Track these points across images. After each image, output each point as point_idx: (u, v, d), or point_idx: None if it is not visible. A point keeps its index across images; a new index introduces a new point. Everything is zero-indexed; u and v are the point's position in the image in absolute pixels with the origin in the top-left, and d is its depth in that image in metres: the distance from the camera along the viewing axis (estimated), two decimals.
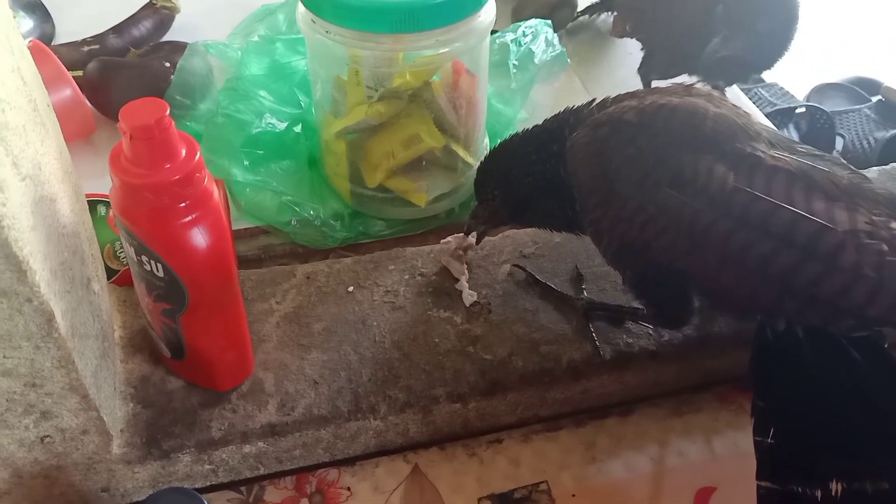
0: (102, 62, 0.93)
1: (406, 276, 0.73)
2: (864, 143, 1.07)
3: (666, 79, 0.91)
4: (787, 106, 1.11)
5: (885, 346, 0.54)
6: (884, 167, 0.87)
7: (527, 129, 0.67)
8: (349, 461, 0.66)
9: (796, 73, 1.10)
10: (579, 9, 1.12)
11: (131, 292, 0.66)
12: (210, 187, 0.53)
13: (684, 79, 0.89)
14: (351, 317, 0.69)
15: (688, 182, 0.54)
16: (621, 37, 1.02)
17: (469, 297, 0.71)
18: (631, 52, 1.02)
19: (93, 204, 0.73)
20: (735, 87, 1.01)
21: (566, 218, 0.65)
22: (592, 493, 0.65)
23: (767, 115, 1.05)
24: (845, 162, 0.58)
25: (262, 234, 0.82)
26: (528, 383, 0.66)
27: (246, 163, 0.83)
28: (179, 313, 0.57)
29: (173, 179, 0.50)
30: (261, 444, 0.62)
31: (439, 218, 0.84)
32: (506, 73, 0.96)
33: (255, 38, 0.97)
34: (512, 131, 0.73)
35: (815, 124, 1.09)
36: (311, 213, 0.81)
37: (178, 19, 1.09)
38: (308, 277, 0.72)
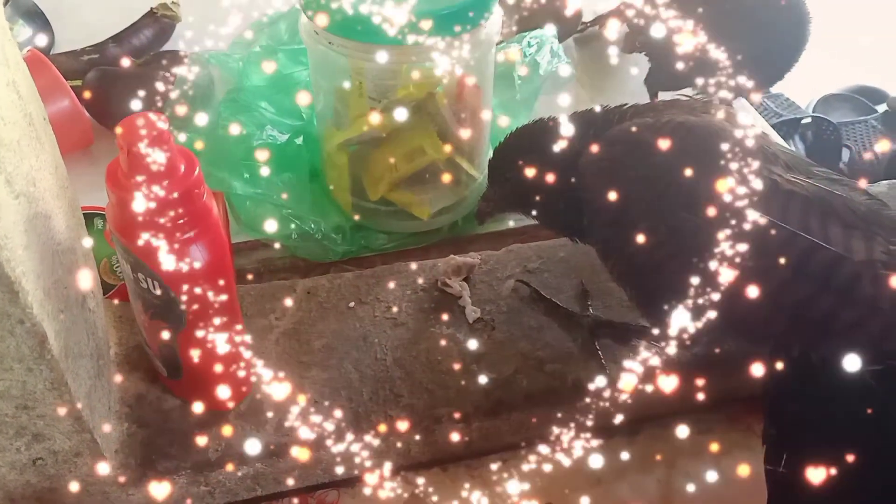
0: (102, 72, 0.92)
1: (408, 292, 0.72)
2: (871, 154, 1.06)
3: (672, 91, 0.91)
4: (792, 117, 1.10)
5: None
6: (893, 181, 0.86)
7: (546, 119, 0.65)
8: (349, 482, 0.65)
9: (802, 83, 1.09)
10: (585, 19, 1.11)
11: (128, 308, 0.65)
12: (209, 203, 0.52)
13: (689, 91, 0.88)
14: (352, 333, 0.68)
15: (703, 206, 0.53)
16: (631, 52, 1.02)
17: (472, 313, 0.69)
18: (636, 63, 1.01)
19: (89, 217, 0.72)
20: (741, 98, 1.00)
21: (570, 223, 0.63)
22: None
23: (773, 126, 1.05)
24: (863, 188, 0.56)
25: (262, 248, 0.81)
26: (533, 403, 0.64)
27: (246, 175, 0.82)
28: (177, 332, 0.55)
29: (172, 197, 0.49)
30: (259, 465, 0.61)
31: (442, 231, 0.83)
32: (511, 85, 0.95)
33: (257, 49, 0.96)
34: None
35: (820, 135, 1.08)
36: (313, 226, 0.80)
37: (179, 28, 1.08)
38: (308, 292, 0.71)
